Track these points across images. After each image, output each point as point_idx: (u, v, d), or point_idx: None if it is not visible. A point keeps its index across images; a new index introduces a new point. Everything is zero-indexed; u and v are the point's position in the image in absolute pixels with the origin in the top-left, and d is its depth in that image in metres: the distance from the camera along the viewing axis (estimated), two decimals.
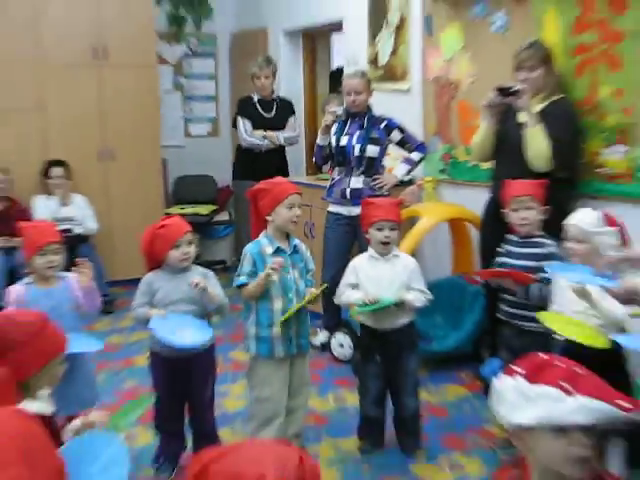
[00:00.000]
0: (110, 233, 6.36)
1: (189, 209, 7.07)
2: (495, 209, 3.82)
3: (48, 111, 6.26)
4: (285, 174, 5.65)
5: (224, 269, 6.96)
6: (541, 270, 3.25)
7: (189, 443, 3.47)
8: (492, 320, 3.78)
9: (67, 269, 3.36)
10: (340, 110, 4.81)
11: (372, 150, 4.66)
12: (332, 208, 4.84)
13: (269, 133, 5.81)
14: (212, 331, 3.25)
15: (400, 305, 3.39)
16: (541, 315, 3.00)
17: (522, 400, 1.63)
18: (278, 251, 3.27)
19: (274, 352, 3.29)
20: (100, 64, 6.38)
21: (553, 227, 3.29)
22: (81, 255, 5.79)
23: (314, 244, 4.94)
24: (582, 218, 3.04)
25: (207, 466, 1.24)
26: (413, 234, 4.51)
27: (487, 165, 4.34)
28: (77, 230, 5.96)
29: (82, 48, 6.30)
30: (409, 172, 4.83)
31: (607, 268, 2.47)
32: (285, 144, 5.94)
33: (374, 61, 5.65)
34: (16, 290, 3.18)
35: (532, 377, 1.63)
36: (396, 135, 4.72)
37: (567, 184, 3.84)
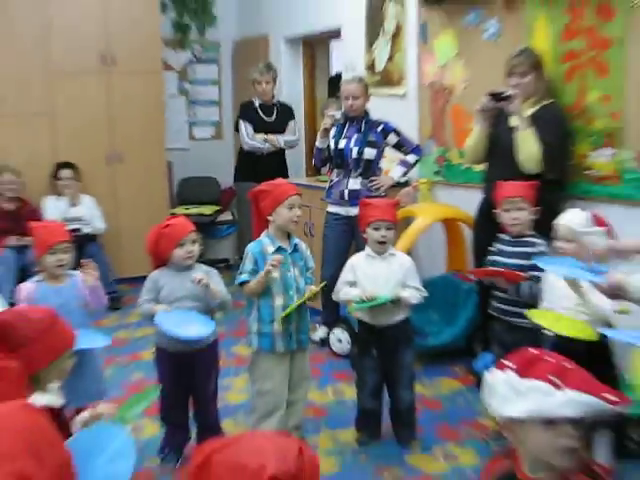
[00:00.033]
0: (117, 232, 6.35)
1: (193, 209, 7.07)
2: (488, 209, 3.82)
3: (58, 115, 6.27)
4: (285, 176, 5.65)
5: (227, 267, 6.96)
6: (532, 269, 3.25)
7: (193, 434, 3.47)
8: (484, 316, 3.78)
9: (76, 267, 3.36)
10: (338, 114, 4.81)
11: (369, 153, 4.65)
12: (331, 208, 4.84)
13: (270, 137, 5.81)
14: (215, 324, 3.26)
15: (396, 302, 3.39)
16: (530, 313, 3.01)
17: (513, 394, 1.63)
18: (279, 250, 3.27)
19: (275, 347, 3.30)
20: (108, 70, 6.38)
21: (543, 227, 3.29)
22: (89, 254, 5.84)
23: (313, 243, 4.94)
24: (571, 218, 3.04)
25: (210, 457, 1.23)
26: (409, 233, 4.51)
27: (480, 167, 4.33)
28: (86, 230, 5.96)
29: (91, 55, 6.30)
30: (405, 174, 4.83)
31: (594, 259, 2.47)
32: (285, 147, 5.95)
33: (371, 67, 5.65)
34: (27, 288, 3.18)
35: (523, 371, 1.63)
36: (392, 138, 4.72)
37: (557, 186, 3.84)
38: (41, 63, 6.15)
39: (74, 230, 5.43)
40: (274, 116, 5.89)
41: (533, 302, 3.19)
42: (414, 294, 3.43)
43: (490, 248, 3.57)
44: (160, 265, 3.31)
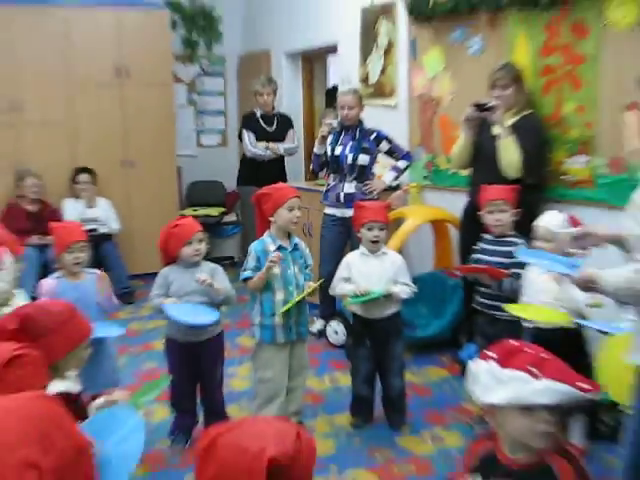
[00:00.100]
0: (131, 232, 6.34)
1: (201, 211, 7.06)
2: (472, 211, 3.82)
3: (77, 124, 6.26)
4: (284, 180, 5.63)
5: (232, 264, 6.95)
6: (513, 266, 3.25)
7: (200, 418, 3.47)
8: (469, 310, 3.79)
9: (93, 265, 3.36)
10: (335, 122, 4.81)
11: (363, 159, 4.65)
12: (328, 210, 4.83)
13: (271, 145, 5.80)
14: (220, 316, 3.26)
15: (388, 297, 3.39)
16: (508, 307, 3.02)
17: (494, 382, 1.63)
18: (280, 249, 3.28)
19: (276, 338, 3.30)
20: (122, 82, 6.37)
21: (524, 228, 3.30)
22: (105, 252, 5.86)
23: (312, 242, 4.93)
24: (549, 220, 3.05)
25: (215, 440, 1.24)
26: (400, 233, 4.51)
27: (465, 172, 4.33)
28: (102, 230, 5.96)
29: (107, 68, 6.30)
30: (396, 178, 4.82)
31: (570, 245, 2.46)
32: (285, 154, 5.95)
33: (365, 80, 5.64)
34: (47, 283, 3.18)
35: (504, 362, 1.63)
36: (385, 145, 4.72)
37: (536, 189, 3.84)
38: (62, 76, 6.15)
39: (91, 230, 5.42)
40: (274, 126, 5.88)
41: (514, 297, 3.19)
42: (404, 289, 3.43)
43: (474, 247, 3.57)
44: (170, 262, 3.31)
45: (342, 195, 4.70)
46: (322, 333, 4.85)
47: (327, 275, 4.00)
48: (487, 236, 3.52)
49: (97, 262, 5.37)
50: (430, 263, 5.00)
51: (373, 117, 5.02)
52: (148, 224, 6.06)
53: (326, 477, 3.07)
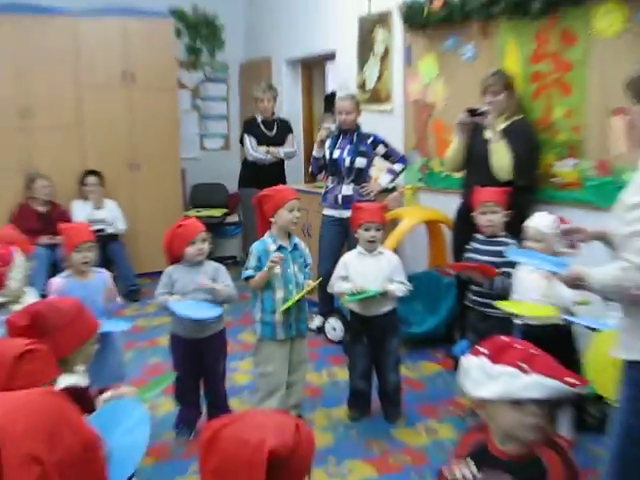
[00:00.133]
0: (137, 232, 6.34)
1: (204, 212, 7.05)
2: (465, 212, 3.82)
3: (85, 127, 6.25)
4: (283, 183, 5.62)
5: (234, 263, 6.94)
6: (504, 265, 3.26)
7: (204, 411, 3.47)
8: (462, 307, 3.79)
9: (100, 264, 3.36)
10: (333, 126, 4.81)
11: (360, 162, 4.65)
12: (326, 211, 4.84)
13: (272, 149, 5.80)
14: (222, 310, 3.26)
15: (384, 294, 3.39)
16: (499, 303, 3.02)
17: (485, 377, 1.63)
18: (280, 248, 3.28)
19: (276, 334, 3.30)
20: (129, 88, 6.37)
21: (514, 228, 3.30)
22: (112, 252, 5.86)
23: (311, 242, 4.93)
24: (539, 221, 3.05)
25: (217, 432, 1.24)
26: (395, 234, 4.51)
27: (459, 175, 4.33)
28: (109, 230, 5.95)
29: (114, 74, 6.29)
30: (392, 181, 4.82)
31: (559, 240, 2.45)
32: (285, 158, 5.95)
33: (362, 86, 5.64)
34: (57, 282, 3.18)
35: (494, 357, 1.63)
36: (381, 149, 4.72)
37: (526, 191, 3.84)
38: (71, 81, 6.15)
39: (98, 231, 5.42)
40: (275, 130, 5.88)
41: (505, 295, 3.19)
42: (400, 287, 3.43)
43: (467, 247, 3.58)
44: (174, 261, 3.31)
45: (340, 197, 4.70)
46: (321, 329, 4.85)
47: (326, 274, 4.00)
48: (479, 236, 3.52)
49: (104, 261, 5.37)
50: (425, 262, 5.00)
51: (370, 122, 5.02)
52: (153, 224, 6.07)
53: (324, 468, 3.07)
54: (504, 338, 1.71)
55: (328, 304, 4.84)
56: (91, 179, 6.04)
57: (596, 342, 2.90)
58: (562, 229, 2.38)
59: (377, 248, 3.49)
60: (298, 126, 6.79)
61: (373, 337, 3.51)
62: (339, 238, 4.73)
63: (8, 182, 5.92)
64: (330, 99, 6.45)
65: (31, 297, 2.89)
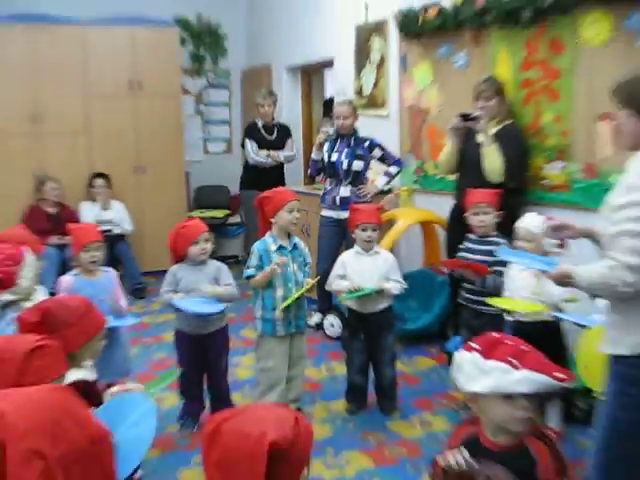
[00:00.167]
0: (142, 233, 6.34)
1: (207, 213, 7.05)
2: (458, 213, 3.82)
3: (93, 132, 6.25)
4: (283, 184, 5.61)
5: (236, 262, 6.94)
6: (496, 264, 3.25)
7: (207, 405, 3.47)
8: (455, 305, 3.79)
9: (108, 263, 3.36)
10: (330, 130, 4.81)
11: (357, 165, 4.65)
12: (325, 212, 4.83)
13: (272, 153, 5.80)
14: (224, 307, 3.26)
15: (380, 292, 3.39)
16: (490, 300, 3.02)
17: (477, 372, 1.63)
18: (280, 248, 3.28)
19: (276, 331, 3.30)
20: (135, 94, 6.36)
21: (506, 228, 3.30)
22: (119, 251, 5.86)
23: (310, 242, 4.93)
24: (529, 221, 3.05)
25: (220, 425, 1.24)
26: (391, 234, 4.51)
27: (452, 177, 4.33)
28: (116, 230, 5.95)
29: (121, 81, 6.30)
30: (388, 183, 4.82)
31: (549, 235, 2.45)
32: (285, 162, 5.95)
33: (359, 92, 5.64)
34: (66, 280, 3.18)
35: (486, 353, 1.63)
36: (377, 152, 4.72)
37: (517, 193, 3.84)
38: (79, 88, 6.15)
39: (106, 231, 5.42)
40: (274, 135, 5.88)
41: (497, 293, 3.19)
42: (396, 286, 3.43)
43: (460, 246, 3.57)
44: (179, 260, 3.31)
45: (338, 198, 4.70)
46: (320, 326, 4.85)
47: (324, 272, 3.99)
48: (472, 236, 3.52)
49: (112, 261, 5.37)
50: (419, 261, 5.00)
51: (367, 126, 5.02)
52: (158, 225, 6.06)
53: (323, 459, 3.07)
54: (496, 334, 1.72)
55: (326, 301, 4.83)
56: (98, 181, 6.04)
57: (587, 337, 2.90)
58: (551, 225, 2.37)
59: (373, 248, 3.49)
60: (298, 130, 6.79)
61: (370, 333, 3.51)
62: (337, 238, 4.73)
63: (19, 184, 5.92)
64: (328, 104, 6.46)
65: (41, 295, 2.88)
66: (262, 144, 5.81)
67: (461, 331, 3.59)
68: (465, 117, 3.88)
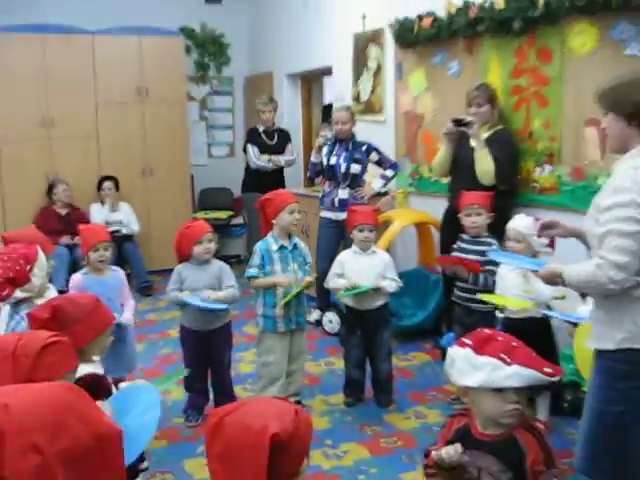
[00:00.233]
0: (149, 233, 6.33)
1: (211, 214, 7.04)
2: (452, 214, 3.81)
3: (102, 137, 6.25)
4: (283, 187, 5.61)
5: (239, 262, 6.93)
6: (487, 263, 3.25)
7: (211, 398, 3.47)
8: (448, 302, 3.78)
9: (116, 262, 3.35)
10: (329, 134, 4.81)
11: (355, 168, 4.64)
12: (323, 214, 4.83)
13: (274, 157, 5.80)
14: (228, 306, 3.27)
15: (377, 290, 3.39)
16: (483, 296, 3.02)
17: (469, 367, 1.63)
18: (281, 248, 3.28)
19: (277, 327, 3.30)
20: (142, 100, 6.36)
21: (497, 229, 3.30)
22: (127, 251, 5.85)
23: (309, 242, 4.91)
24: (519, 222, 3.05)
25: (223, 418, 1.24)
26: (387, 234, 4.50)
27: (446, 180, 4.33)
28: (124, 231, 5.94)
29: (129, 88, 6.29)
30: (384, 185, 4.82)
31: (539, 234, 2.44)
32: (285, 166, 5.96)
33: (357, 98, 5.64)
34: (76, 278, 3.18)
35: (478, 349, 1.64)
36: (374, 156, 4.71)
37: (508, 195, 3.83)
38: (89, 95, 6.15)
39: (114, 231, 5.43)
40: (275, 140, 5.88)
41: (488, 291, 3.18)
42: (391, 284, 3.43)
43: (454, 246, 3.57)
44: (184, 260, 3.31)
45: (337, 200, 4.69)
46: (319, 322, 4.85)
47: (323, 271, 4.00)
48: (465, 236, 3.52)
49: (120, 260, 5.38)
50: (414, 260, 5.00)
51: (364, 131, 5.02)
52: (164, 226, 6.06)
53: (322, 450, 3.07)
54: (487, 331, 1.72)
55: (325, 299, 4.83)
56: (107, 184, 6.03)
57: (582, 333, 2.90)
58: (541, 223, 2.37)
59: (370, 248, 3.49)
60: (298, 135, 6.78)
61: (367, 329, 3.51)
62: (335, 238, 4.72)
63: (32, 187, 5.92)
64: (327, 110, 6.45)
65: (53, 292, 2.88)
66: (263, 149, 5.81)
67: (454, 327, 3.59)
68: (458, 122, 3.87)
